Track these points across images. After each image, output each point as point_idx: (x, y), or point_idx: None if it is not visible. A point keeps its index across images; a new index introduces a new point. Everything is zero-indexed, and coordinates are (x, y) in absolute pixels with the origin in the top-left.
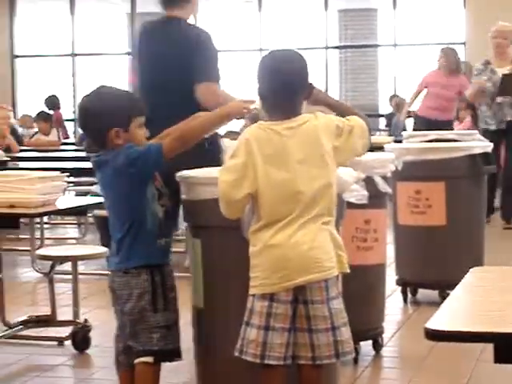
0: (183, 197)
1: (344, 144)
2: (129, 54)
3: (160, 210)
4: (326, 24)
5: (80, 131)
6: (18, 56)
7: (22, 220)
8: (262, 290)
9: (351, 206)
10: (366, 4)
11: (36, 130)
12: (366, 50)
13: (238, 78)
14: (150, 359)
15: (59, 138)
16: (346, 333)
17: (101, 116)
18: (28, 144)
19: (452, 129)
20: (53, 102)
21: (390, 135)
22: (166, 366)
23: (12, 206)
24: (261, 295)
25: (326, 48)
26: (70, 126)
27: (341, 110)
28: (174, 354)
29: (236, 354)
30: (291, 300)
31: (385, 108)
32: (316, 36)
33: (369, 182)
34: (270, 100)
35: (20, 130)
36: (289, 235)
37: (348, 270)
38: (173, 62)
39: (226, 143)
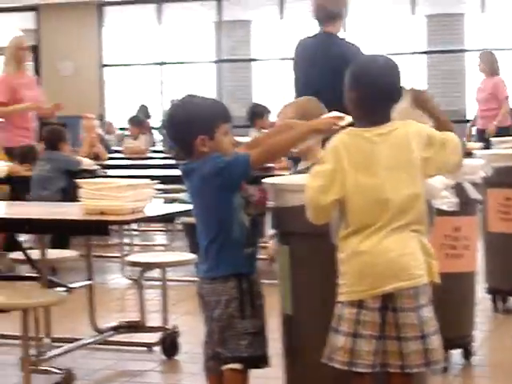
0: (271, 204)
1: (435, 156)
2: (216, 62)
3: (246, 219)
4: (414, 29)
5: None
6: (106, 65)
7: (111, 227)
8: (350, 296)
9: (440, 213)
10: (454, 9)
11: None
12: (453, 55)
13: None
14: (238, 366)
15: (147, 145)
16: (436, 341)
17: (186, 124)
18: (124, 151)
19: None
20: (145, 111)
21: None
22: (255, 373)
23: (102, 213)
24: (349, 302)
25: (414, 53)
26: (157, 134)
27: (438, 118)
28: (262, 361)
29: (324, 360)
30: (380, 307)
31: (472, 113)
32: (403, 41)
33: (458, 189)
34: (359, 107)
35: (107, 137)
36: (377, 242)
37: (438, 280)
38: (327, 72)
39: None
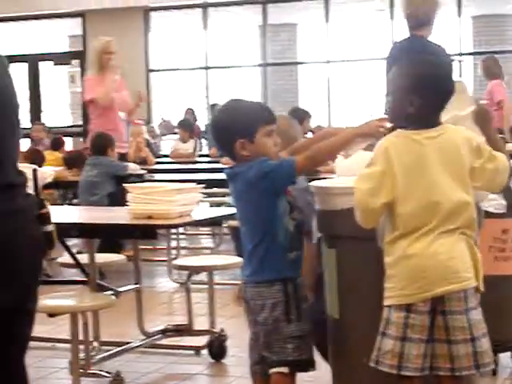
0: (317, 207)
1: (481, 168)
2: (261, 65)
3: (291, 224)
4: (460, 30)
5: None
6: (152, 70)
7: (159, 231)
8: (398, 300)
9: (488, 215)
10: (500, 10)
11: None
12: (499, 57)
13: (367, 88)
14: (284, 369)
15: (195, 149)
16: (485, 344)
17: (226, 128)
18: (171, 156)
19: None
20: (192, 115)
21: None
22: (303, 376)
23: (150, 218)
24: (397, 306)
25: (460, 54)
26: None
27: (489, 137)
28: (309, 364)
29: (372, 364)
30: (429, 310)
31: None
32: (449, 42)
33: (507, 191)
34: (416, 109)
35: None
36: (426, 245)
37: (482, 288)
38: None
39: (365, 155)
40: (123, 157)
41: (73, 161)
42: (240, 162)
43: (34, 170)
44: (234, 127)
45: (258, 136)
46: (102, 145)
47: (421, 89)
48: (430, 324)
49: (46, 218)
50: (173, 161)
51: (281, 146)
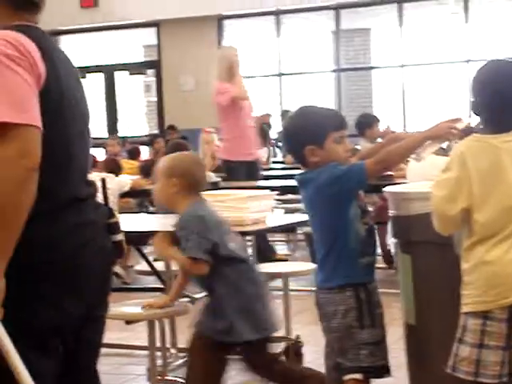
0: (392, 212)
1: None
2: (335, 71)
3: (362, 229)
4: None
5: None
6: None
7: None
8: (475, 307)
9: None
10: None
11: None
12: None
13: (442, 92)
14: (359, 376)
15: (269, 156)
16: None
17: (295, 135)
18: None
19: None
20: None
21: None
22: (383, 382)
23: None
24: (474, 313)
25: None
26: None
27: None
28: (383, 371)
29: (448, 370)
30: (506, 318)
31: None
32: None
33: None
34: (486, 113)
35: None
36: (504, 251)
37: None
38: None
39: (436, 159)
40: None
41: (148, 169)
42: (310, 167)
43: (103, 180)
44: (303, 134)
45: (328, 142)
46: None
47: (476, 91)
48: (507, 331)
49: (115, 228)
50: None
51: (181, 186)
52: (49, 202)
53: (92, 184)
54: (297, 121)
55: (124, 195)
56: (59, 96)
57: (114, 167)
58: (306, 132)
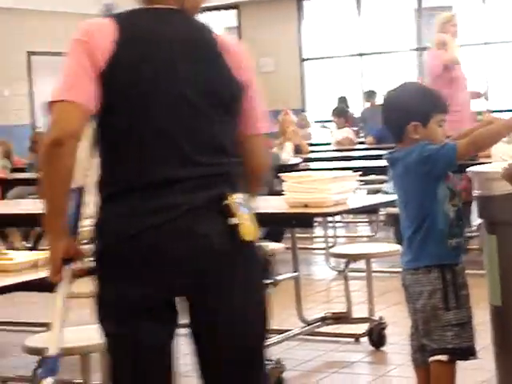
0: (477, 192)
1: None
2: (417, 49)
3: (452, 210)
4: None
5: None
6: (306, 59)
7: (315, 219)
8: None
9: None
10: None
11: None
12: None
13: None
14: (444, 357)
15: (354, 136)
16: None
17: (402, 110)
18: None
19: None
20: (344, 102)
21: None
22: (467, 364)
23: (306, 206)
24: None
25: None
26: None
27: None
28: (469, 353)
29: None
30: None
31: None
32: None
33: None
34: None
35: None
36: None
37: None
38: None
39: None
40: None
41: None
42: (405, 145)
43: None
44: (411, 109)
45: (432, 122)
46: None
47: None
48: None
49: (226, 211)
50: (328, 149)
51: None
52: (113, 186)
53: (199, 164)
54: (405, 94)
55: None
56: (131, 74)
57: None
58: (413, 107)
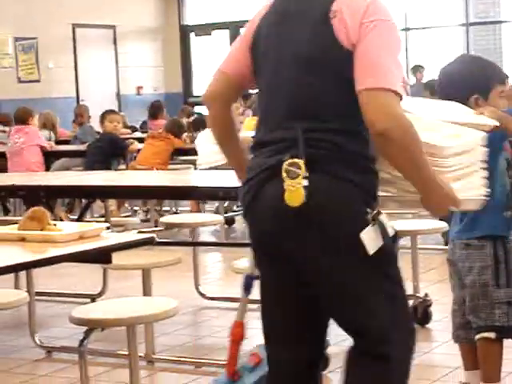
0: None
1: None
2: (464, 25)
3: (508, 182)
4: None
5: None
6: None
7: None
8: None
9: None
10: None
11: None
12: None
13: None
14: (492, 335)
15: None
16: None
17: (462, 82)
18: None
19: None
20: None
21: None
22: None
23: None
24: None
25: None
26: None
27: None
28: None
29: None
30: None
31: None
32: None
33: None
34: None
35: None
36: None
37: None
38: None
39: None
40: None
41: None
42: None
43: None
44: (472, 80)
45: (493, 94)
46: None
47: None
48: None
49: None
50: None
51: None
52: None
53: (288, 128)
54: (463, 68)
55: None
56: (260, 46)
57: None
58: (475, 79)
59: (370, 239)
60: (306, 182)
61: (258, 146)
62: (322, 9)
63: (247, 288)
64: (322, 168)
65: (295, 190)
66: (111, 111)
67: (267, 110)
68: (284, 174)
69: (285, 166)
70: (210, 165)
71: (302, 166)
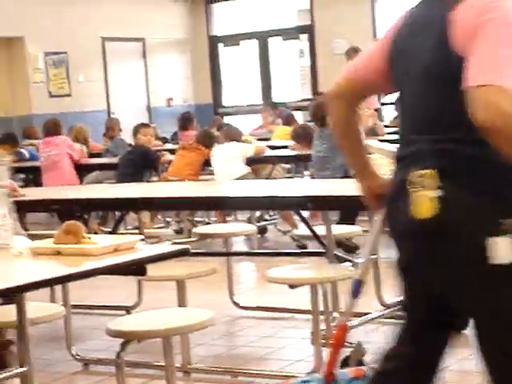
0: None
1: None
2: None
3: None
4: None
5: None
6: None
7: None
8: None
9: None
10: None
11: None
12: None
13: None
14: None
15: None
16: None
17: None
18: None
19: None
20: None
21: None
22: None
23: None
24: None
25: None
26: None
27: None
28: None
29: None
30: None
31: None
32: None
33: None
34: None
35: None
36: None
37: None
38: None
39: None
40: None
41: (298, 135)
42: None
43: None
44: None
45: None
46: (324, 115)
47: None
48: None
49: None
50: None
51: None
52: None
53: (414, 142)
54: None
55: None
56: (394, 54)
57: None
58: None
59: (503, 250)
60: (438, 193)
61: (395, 161)
62: (442, 19)
63: (355, 293)
64: (453, 179)
65: (425, 201)
66: (144, 124)
67: (401, 124)
68: (412, 187)
69: (413, 178)
70: (227, 178)
71: (434, 177)
